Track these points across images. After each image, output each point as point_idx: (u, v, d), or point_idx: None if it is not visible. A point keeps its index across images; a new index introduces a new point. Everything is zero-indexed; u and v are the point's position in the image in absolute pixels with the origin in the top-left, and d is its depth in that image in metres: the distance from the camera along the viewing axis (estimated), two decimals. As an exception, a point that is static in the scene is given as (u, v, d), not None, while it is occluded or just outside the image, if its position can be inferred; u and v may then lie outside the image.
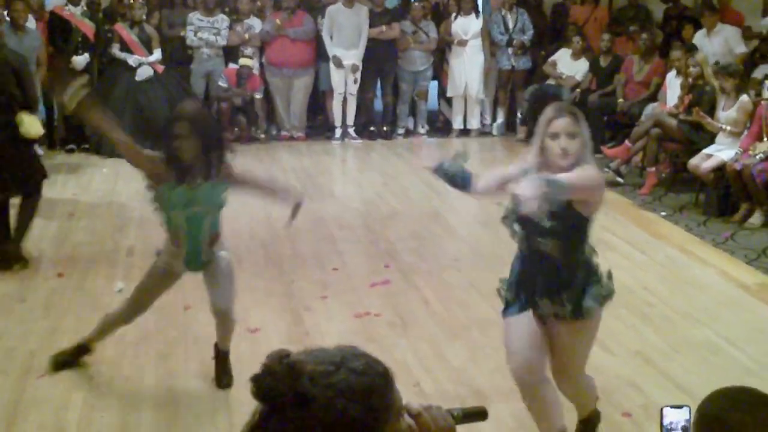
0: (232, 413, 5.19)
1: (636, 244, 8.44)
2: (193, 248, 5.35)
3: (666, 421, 2.64)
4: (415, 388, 5.47)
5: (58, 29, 11.81)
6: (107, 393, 5.48)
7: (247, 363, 5.84)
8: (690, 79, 10.22)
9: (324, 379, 1.90)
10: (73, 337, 5.97)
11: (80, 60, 11.87)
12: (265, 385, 1.90)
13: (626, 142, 10.71)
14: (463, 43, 13.26)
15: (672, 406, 2.66)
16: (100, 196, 10.12)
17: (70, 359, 5.68)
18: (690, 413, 2.65)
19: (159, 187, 5.30)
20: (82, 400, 5.35)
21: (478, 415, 2.31)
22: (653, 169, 10.33)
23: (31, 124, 7.49)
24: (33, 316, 6.58)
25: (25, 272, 7.50)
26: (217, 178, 5.26)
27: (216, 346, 5.65)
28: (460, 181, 4.48)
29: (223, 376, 5.57)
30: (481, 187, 4.52)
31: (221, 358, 5.61)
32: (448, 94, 13.74)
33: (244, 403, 5.18)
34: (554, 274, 4.42)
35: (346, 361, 1.95)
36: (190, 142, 5.15)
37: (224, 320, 5.53)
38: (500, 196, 4.49)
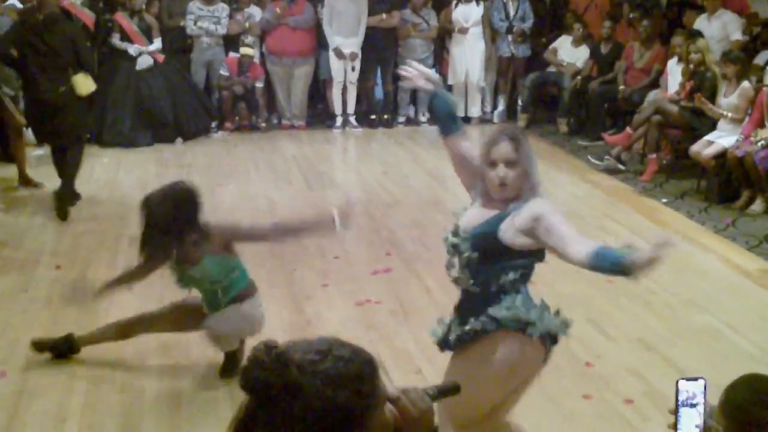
0: (235, 403, 5.17)
1: (637, 231, 8.43)
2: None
3: (681, 396, 2.63)
4: (417, 375, 5.47)
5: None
6: (110, 383, 5.49)
7: (247, 352, 5.85)
8: (691, 66, 10.19)
9: (312, 367, 1.91)
10: (74, 328, 5.98)
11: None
12: (253, 376, 1.92)
13: (627, 129, 10.70)
14: (464, 30, 13.23)
15: (687, 379, 2.65)
16: (101, 186, 10.11)
17: (54, 348, 5.70)
18: (705, 387, 2.64)
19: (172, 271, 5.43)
20: (85, 390, 5.36)
21: (452, 390, 2.34)
22: (654, 155, 10.32)
23: (84, 84, 8.92)
24: (35, 307, 6.58)
25: (26, 263, 7.51)
26: (209, 252, 5.25)
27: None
28: (445, 118, 4.17)
29: (229, 369, 5.55)
30: (463, 147, 4.09)
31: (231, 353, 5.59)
32: (449, 82, 13.69)
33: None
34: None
35: (332, 350, 1.96)
36: (153, 235, 5.24)
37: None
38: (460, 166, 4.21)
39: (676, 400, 2.63)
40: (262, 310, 5.61)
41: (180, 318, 5.62)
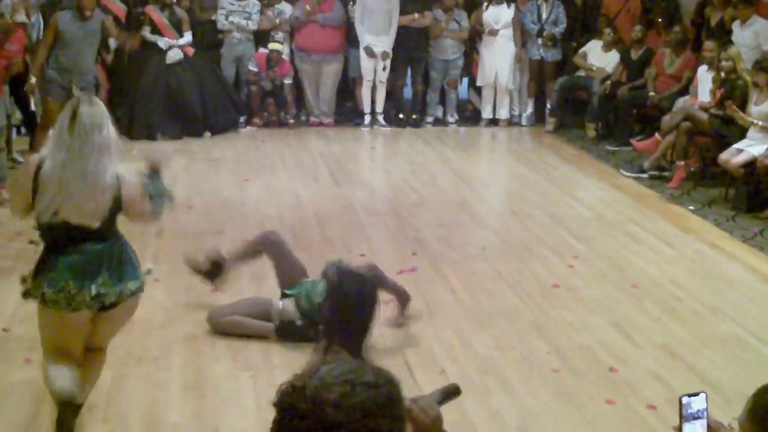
0: (258, 394, 5.22)
1: (664, 238, 8.41)
2: None
3: (686, 410, 2.67)
4: (441, 375, 5.48)
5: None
6: (135, 373, 5.52)
7: (273, 346, 5.89)
8: (723, 73, 10.14)
9: (346, 401, 1.90)
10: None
11: (111, 42, 11.91)
12: (293, 427, 1.90)
13: (656, 135, 10.66)
14: (494, 32, 13.21)
15: (689, 395, 2.68)
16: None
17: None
18: (706, 400, 2.68)
19: None
20: (110, 380, 5.37)
21: (454, 392, 2.40)
22: (682, 162, 10.27)
23: None
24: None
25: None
26: None
27: None
28: None
29: None
30: None
31: None
32: (478, 84, 13.71)
33: (271, 386, 5.22)
34: None
35: (357, 378, 1.95)
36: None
37: None
38: None
39: (680, 415, 2.67)
40: None
41: None
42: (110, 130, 4.47)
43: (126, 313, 4.71)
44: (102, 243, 4.53)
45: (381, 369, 2.02)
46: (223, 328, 6.01)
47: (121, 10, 12.04)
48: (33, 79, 9.89)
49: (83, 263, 4.44)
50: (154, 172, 5.00)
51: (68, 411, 4.46)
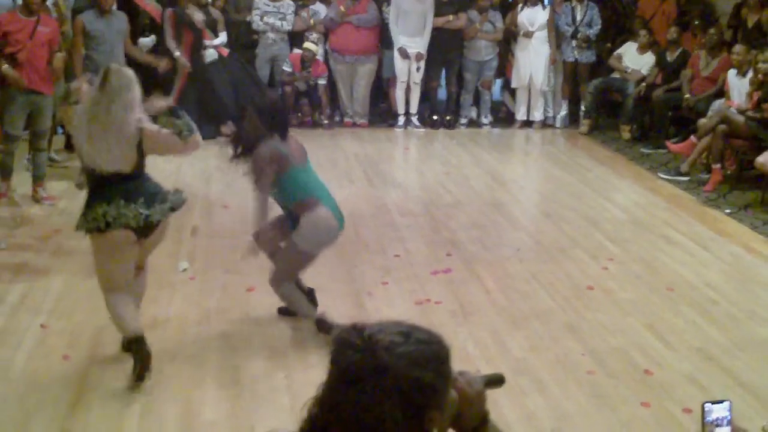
0: (293, 393, 5.24)
1: (699, 241, 8.37)
2: None
3: (707, 417, 2.67)
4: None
5: (125, 11, 11.90)
6: (171, 371, 5.55)
7: (309, 345, 5.91)
8: (760, 76, 10.08)
9: (398, 348, 2.03)
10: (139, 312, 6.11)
11: (146, 42, 11.96)
12: (345, 357, 2.03)
13: (692, 137, 10.60)
14: (529, 34, 13.19)
15: (713, 402, 2.69)
16: (165, 176, 10.17)
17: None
18: (731, 408, 2.68)
19: None
20: (146, 377, 5.42)
21: (498, 381, 2.42)
22: (718, 165, 10.21)
23: None
24: (100, 293, 6.66)
25: (90, 249, 7.61)
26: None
27: None
28: None
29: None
30: None
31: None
32: (513, 85, 13.69)
33: (306, 385, 5.24)
34: None
35: (412, 332, 2.09)
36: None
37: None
38: None
39: (703, 421, 2.67)
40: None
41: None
42: (136, 92, 5.23)
43: (163, 231, 5.52)
44: (137, 180, 5.33)
45: (437, 333, 2.14)
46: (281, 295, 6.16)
47: (156, 10, 12.10)
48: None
49: (125, 192, 5.24)
50: (170, 111, 5.47)
51: (141, 342, 5.30)
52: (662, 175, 10.73)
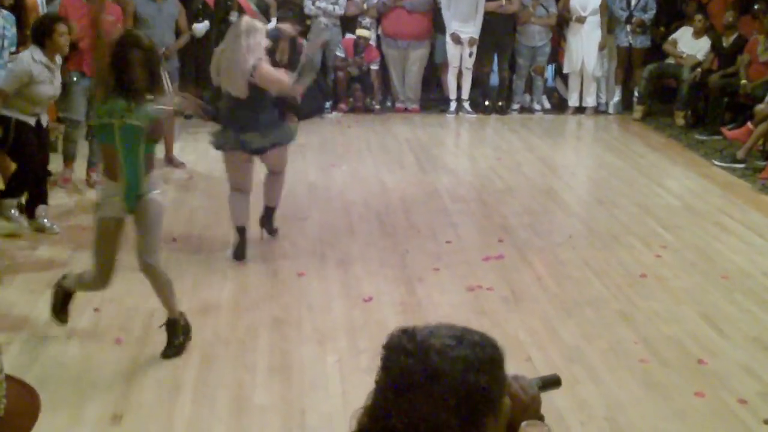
0: (344, 378, 5.24)
1: (755, 229, 8.26)
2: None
3: None
4: (527, 363, 5.45)
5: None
6: (223, 355, 5.59)
7: (360, 331, 5.92)
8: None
9: (451, 352, 1.94)
10: (189, 297, 6.16)
11: (200, 27, 11.97)
12: (397, 363, 1.94)
13: (748, 124, 10.45)
14: (581, 19, 13.07)
15: None
16: (216, 162, 10.22)
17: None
18: None
19: None
20: (199, 362, 5.46)
21: (554, 383, 2.38)
22: (775, 152, 10.07)
23: None
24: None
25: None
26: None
27: None
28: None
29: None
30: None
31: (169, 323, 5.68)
32: (565, 71, 13.58)
33: (357, 370, 5.26)
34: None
35: (465, 335, 2.00)
36: None
37: (155, 276, 5.60)
38: None
39: None
40: None
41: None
42: (260, 39, 6.70)
43: (277, 155, 7.29)
44: (252, 111, 6.84)
45: (489, 336, 2.06)
46: None
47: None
48: None
49: (242, 119, 6.86)
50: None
51: (243, 233, 7.14)
52: (717, 163, 10.58)
